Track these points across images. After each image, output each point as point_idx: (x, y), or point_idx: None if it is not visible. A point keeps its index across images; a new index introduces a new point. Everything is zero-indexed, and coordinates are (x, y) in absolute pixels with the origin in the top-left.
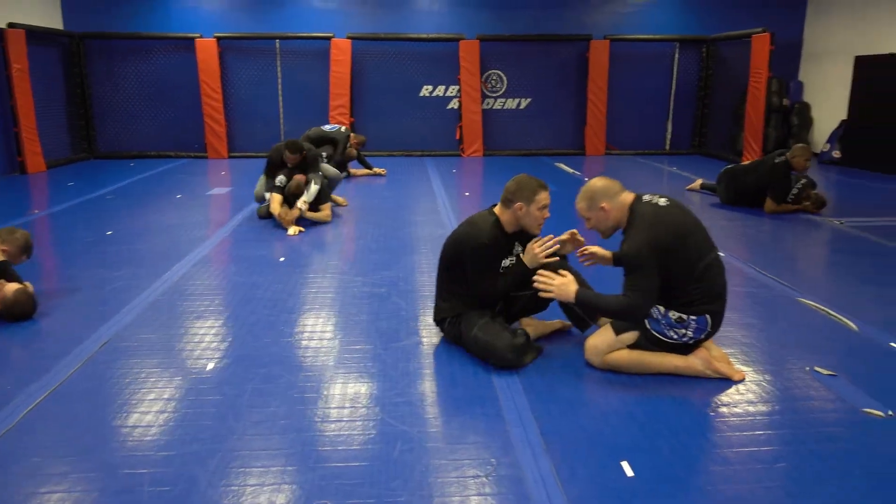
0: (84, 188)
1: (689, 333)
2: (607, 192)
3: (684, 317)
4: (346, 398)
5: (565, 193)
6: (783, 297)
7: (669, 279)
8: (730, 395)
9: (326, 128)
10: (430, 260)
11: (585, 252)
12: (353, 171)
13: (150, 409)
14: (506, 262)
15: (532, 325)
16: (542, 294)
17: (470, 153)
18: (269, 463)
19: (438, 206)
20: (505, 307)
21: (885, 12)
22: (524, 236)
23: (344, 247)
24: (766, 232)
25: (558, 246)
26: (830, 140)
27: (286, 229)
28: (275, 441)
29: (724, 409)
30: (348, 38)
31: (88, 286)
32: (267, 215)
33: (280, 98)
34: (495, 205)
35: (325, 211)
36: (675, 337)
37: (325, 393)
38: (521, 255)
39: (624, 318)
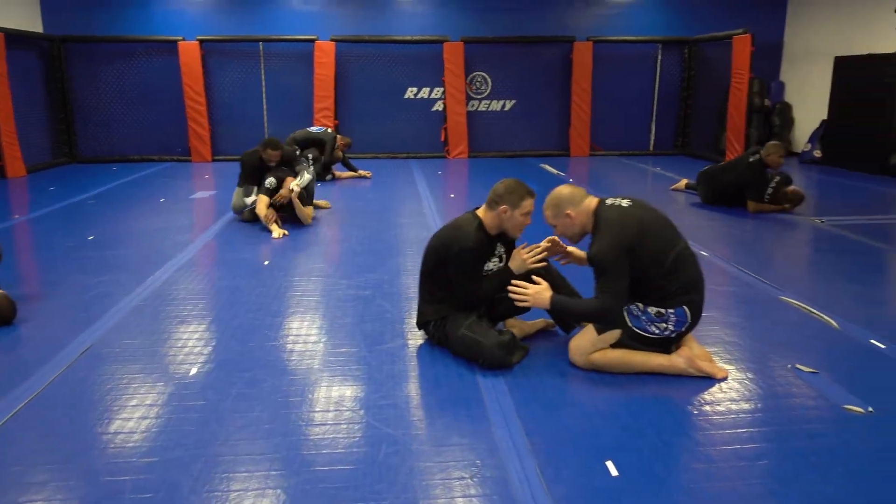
0: (65, 193)
1: (670, 327)
2: (572, 200)
3: (663, 311)
4: (330, 401)
5: None
6: (765, 296)
7: (642, 276)
8: (713, 393)
9: (313, 129)
10: (416, 262)
11: (562, 250)
12: (337, 173)
13: (132, 416)
14: (489, 265)
15: (517, 326)
16: (517, 304)
17: (455, 155)
18: (253, 468)
19: (424, 209)
20: (489, 309)
21: (863, 13)
22: (507, 238)
23: (329, 249)
24: (749, 231)
25: (546, 253)
26: (811, 140)
27: (271, 232)
28: (259, 445)
29: (707, 408)
30: (332, 40)
31: (70, 292)
32: (251, 218)
33: (264, 101)
34: (478, 207)
35: (309, 210)
36: (657, 332)
37: (310, 396)
38: (504, 257)
39: (597, 319)
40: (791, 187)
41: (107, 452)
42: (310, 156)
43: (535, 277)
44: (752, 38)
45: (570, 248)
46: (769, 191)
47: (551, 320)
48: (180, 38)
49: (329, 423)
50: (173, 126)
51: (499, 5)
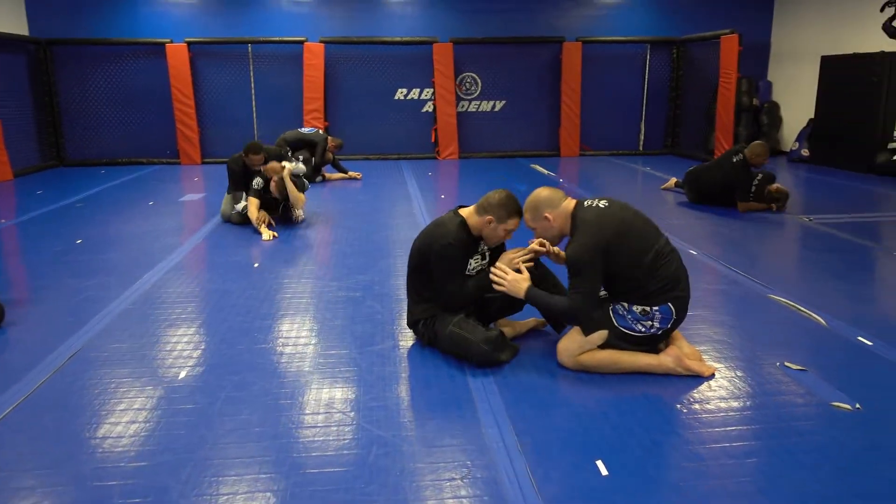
0: (53, 196)
1: (656, 324)
2: (550, 202)
3: (648, 308)
4: (320, 403)
5: None
6: (754, 294)
7: (623, 274)
8: (702, 391)
9: (304, 130)
10: (406, 263)
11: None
12: (327, 175)
13: (120, 420)
14: (473, 263)
15: (508, 326)
16: (495, 286)
17: (445, 156)
18: (243, 471)
19: (414, 210)
20: (480, 308)
21: (849, 13)
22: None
23: (319, 251)
24: (737, 229)
25: (533, 254)
26: (799, 139)
27: (261, 234)
28: (248, 449)
29: (696, 406)
30: (321, 41)
31: (58, 295)
32: (240, 221)
33: (253, 103)
34: (461, 206)
35: (302, 197)
36: (643, 329)
37: (300, 399)
38: (487, 255)
39: (568, 318)
40: (774, 185)
41: (95, 457)
42: (300, 157)
43: (521, 267)
44: (740, 38)
45: (555, 249)
46: (752, 189)
47: (542, 319)
48: (168, 40)
49: (319, 425)
50: (162, 129)
51: (488, 6)
